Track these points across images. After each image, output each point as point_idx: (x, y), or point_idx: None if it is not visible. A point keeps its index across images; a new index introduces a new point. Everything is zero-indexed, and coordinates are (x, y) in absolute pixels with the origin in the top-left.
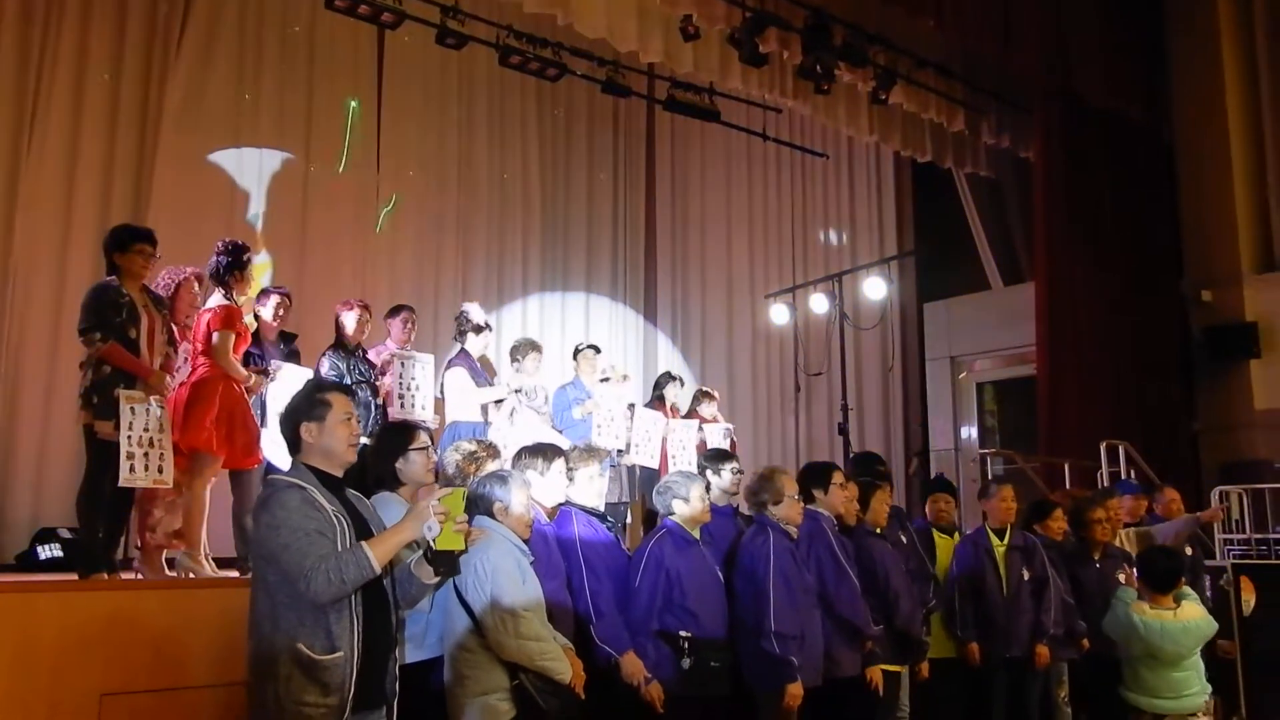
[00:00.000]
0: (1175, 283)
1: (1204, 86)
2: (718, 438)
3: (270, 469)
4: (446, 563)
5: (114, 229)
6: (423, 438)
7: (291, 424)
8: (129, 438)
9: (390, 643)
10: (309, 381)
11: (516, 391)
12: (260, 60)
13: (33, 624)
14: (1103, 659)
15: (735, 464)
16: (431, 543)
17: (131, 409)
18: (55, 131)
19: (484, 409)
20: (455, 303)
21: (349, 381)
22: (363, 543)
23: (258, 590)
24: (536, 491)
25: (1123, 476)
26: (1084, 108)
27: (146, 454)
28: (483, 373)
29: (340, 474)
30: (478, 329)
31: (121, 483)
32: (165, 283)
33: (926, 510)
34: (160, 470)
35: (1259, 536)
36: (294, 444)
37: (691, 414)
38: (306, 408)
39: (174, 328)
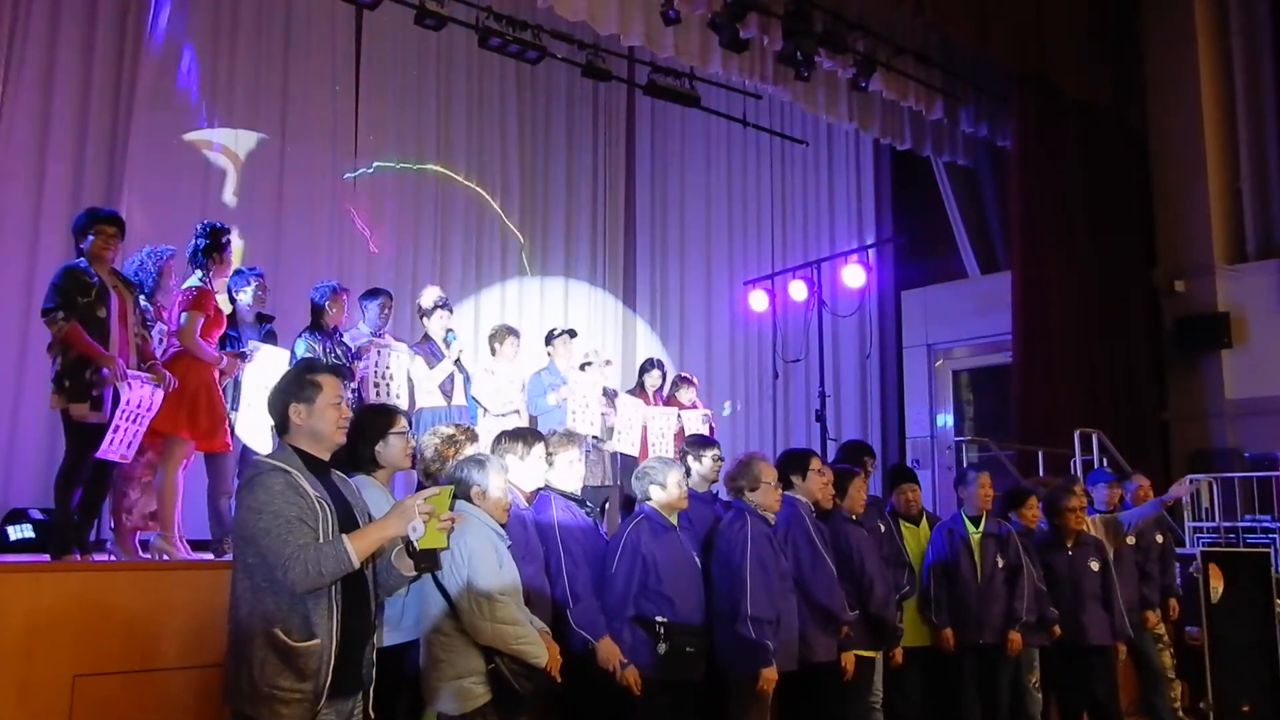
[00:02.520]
0: (1148, 273)
1: (1178, 76)
2: (697, 423)
3: (246, 452)
4: (428, 560)
5: (79, 213)
6: (402, 422)
7: (280, 404)
8: (123, 412)
9: (368, 629)
10: (300, 361)
11: (455, 361)
12: (235, 39)
13: (3, 605)
14: (1073, 646)
15: (716, 450)
16: (415, 542)
17: (128, 385)
18: (26, 110)
19: (445, 393)
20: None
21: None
22: (345, 536)
23: (237, 572)
24: (516, 476)
25: (1095, 464)
26: (1060, 97)
27: (130, 429)
28: (440, 353)
29: (327, 457)
30: (428, 313)
31: (101, 454)
32: (148, 265)
33: (894, 499)
34: (129, 446)
35: (1228, 524)
36: (282, 425)
37: (670, 400)
38: (296, 388)
39: (150, 309)
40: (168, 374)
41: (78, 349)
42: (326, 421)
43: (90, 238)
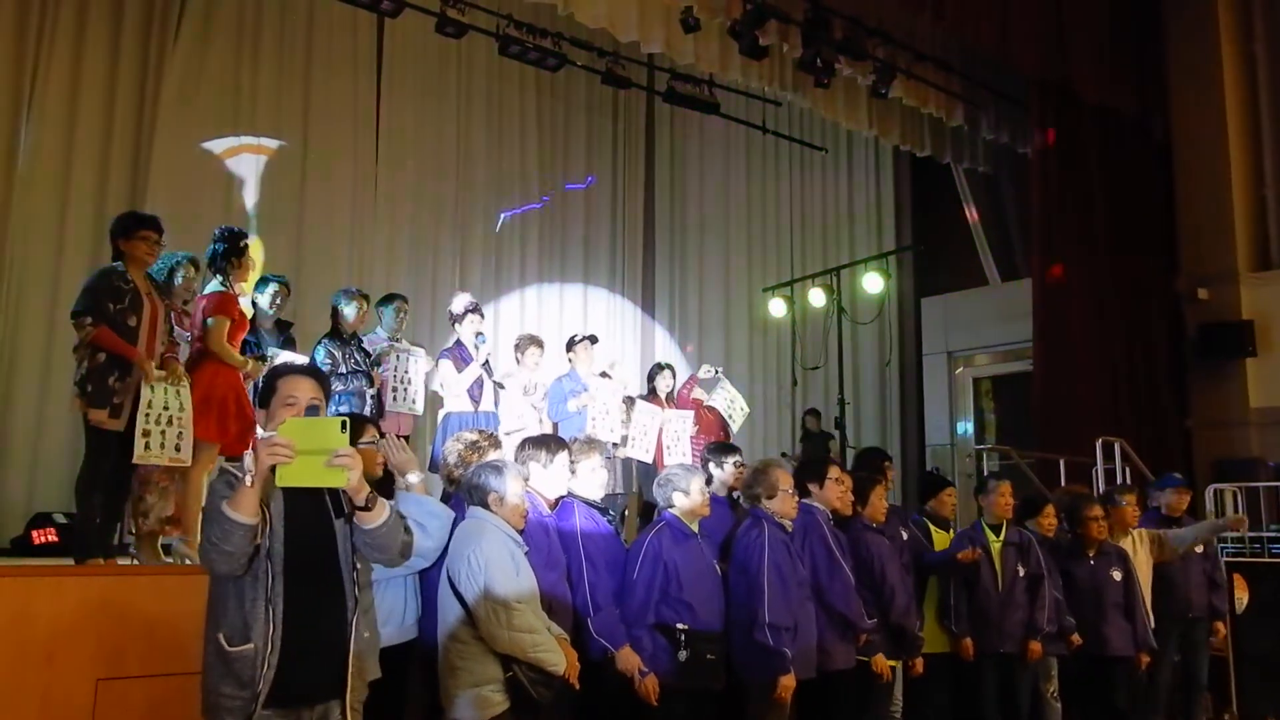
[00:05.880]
0: (1171, 280)
1: (1201, 83)
2: (722, 405)
3: None
4: (335, 501)
5: (120, 215)
6: (371, 431)
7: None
8: (146, 415)
9: (336, 631)
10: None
11: (484, 364)
12: (259, 47)
13: (27, 609)
14: (1093, 657)
15: (738, 456)
16: (249, 476)
17: (150, 387)
18: (52, 116)
19: (474, 398)
20: (453, 292)
21: (343, 370)
22: (222, 500)
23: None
24: (539, 483)
25: (1117, 473)
26: (1081, 103)
27: (164, 431)
28: (469, 357)
29: None
30: (459, 318)
31: (135, 459)
32: (159, 268)
33: (931, 505)
34: (178, 449)
35: (1252, 534)
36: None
37: (685, 395)
38: (262, 393)
39: (174, 314)
40: (151, 370)
41: (109, 349)
42: (276, 423)
43: (134, 241)
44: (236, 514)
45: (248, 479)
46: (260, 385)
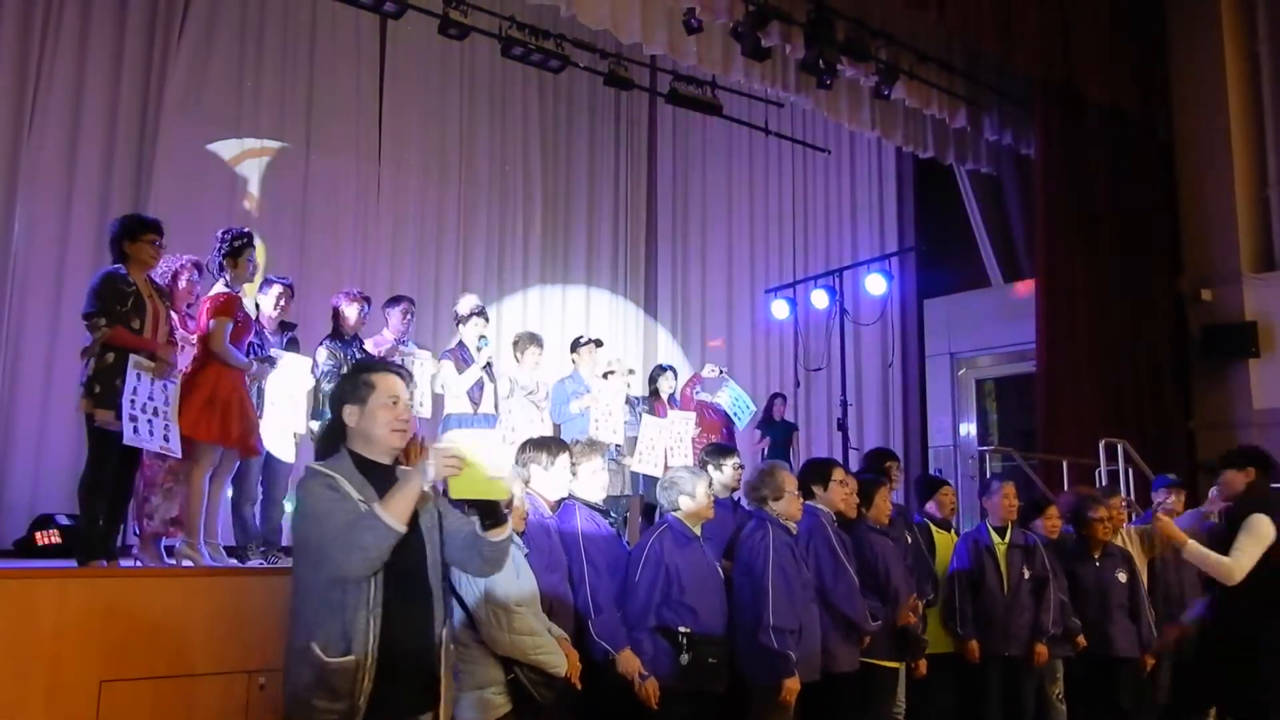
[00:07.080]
0: (1174, 281)
1: (1205, 83)
2: (727, 404)
3: (270, 459)
4: (487, 513)
5: (123, 218)
6: None
7: (335, 407)
8: (131, 401)
9: (428, 641)
10: (355, 362)
11: (486, 367)
12: (262, 50)
13: (31, 611)
14: (1098, 658)
15: (736, 459)
16: (443, 491)
17: (138, 375)
18: (55, 119)
19: (474, 400)
20: (455, 294)
21: (346, 372)
22: (374, 504)
23: (294, 582)
24: (540, 485)
25: (1121, 474)
26: (1084, 104)
27: (150, 421)
28: (470, 359)
29: (388, 460)
30: (464, 319)
31: (125, 441)
32: (162, 271)
33: (930, 506)
34: (166, 439)
35: None
36: (341, 429)
37: (688, 395)
38: (350, 389)
39: (175, 317)
40: (174, 362)
41: (126, 347)
42: (379, 423)
43: (138, 245)
44: (394, 520)
45: (426, 486)
46: (346, 379)
